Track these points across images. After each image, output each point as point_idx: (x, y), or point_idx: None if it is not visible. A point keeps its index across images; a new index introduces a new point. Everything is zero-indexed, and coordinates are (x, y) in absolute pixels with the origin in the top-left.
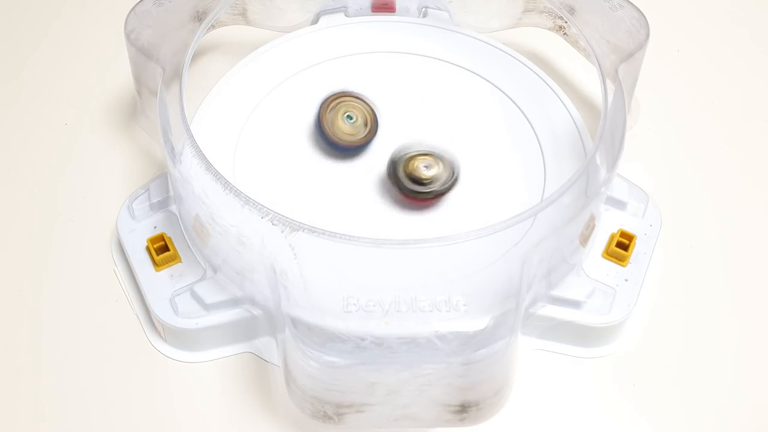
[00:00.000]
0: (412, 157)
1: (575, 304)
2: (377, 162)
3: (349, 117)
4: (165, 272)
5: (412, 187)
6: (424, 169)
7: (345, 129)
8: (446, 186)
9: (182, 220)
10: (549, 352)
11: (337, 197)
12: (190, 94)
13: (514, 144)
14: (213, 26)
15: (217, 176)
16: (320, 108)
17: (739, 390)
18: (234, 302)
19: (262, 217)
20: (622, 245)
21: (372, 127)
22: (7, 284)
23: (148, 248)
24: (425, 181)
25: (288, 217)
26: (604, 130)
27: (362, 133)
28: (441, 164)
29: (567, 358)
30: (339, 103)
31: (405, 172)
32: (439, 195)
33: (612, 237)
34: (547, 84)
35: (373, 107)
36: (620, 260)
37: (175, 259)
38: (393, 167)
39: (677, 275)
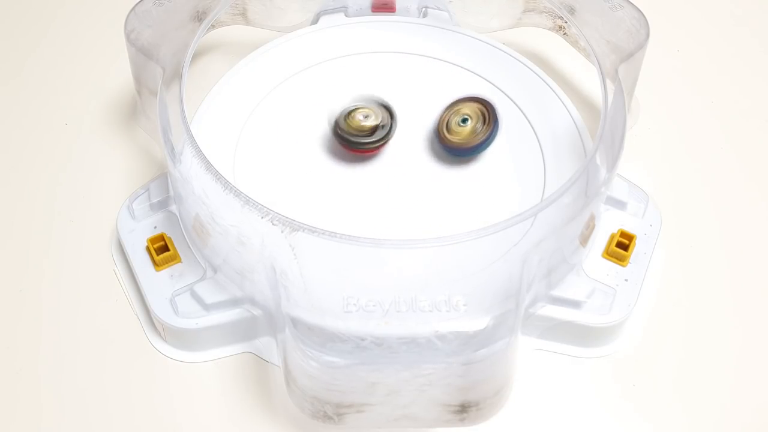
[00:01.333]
0: (351, 113)
1: (575, 304)
2: (378, 161)
3: (464, 120)
4: (165, 272)
5: (361, 140)
6: (366, 120)
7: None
8: (391, 129)
9: (182, 220)
10: (549, 352)
11: (338, 197)
12: (190, 94)
13: (514, 144)
14: (213, 26)
15: (217, 176)
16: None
17: (739, 390)
18: (234, 302)
19: (262, 217)
20: (622, 245)
21: (490, 125)
22: (7, 284)
23: (148, 248)
24: (371, 130)
25: (288, 217)
26: (604, 130)
27: (480, 134)
28: (378, 112)
29: (567, 358)
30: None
31: (350, 129)
32: (384, 141)
33: (612, 237)
34: (547, 84)
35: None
36: (620, 260)
37: (175, 259)
38: (337, 129)
39: (677, 275)
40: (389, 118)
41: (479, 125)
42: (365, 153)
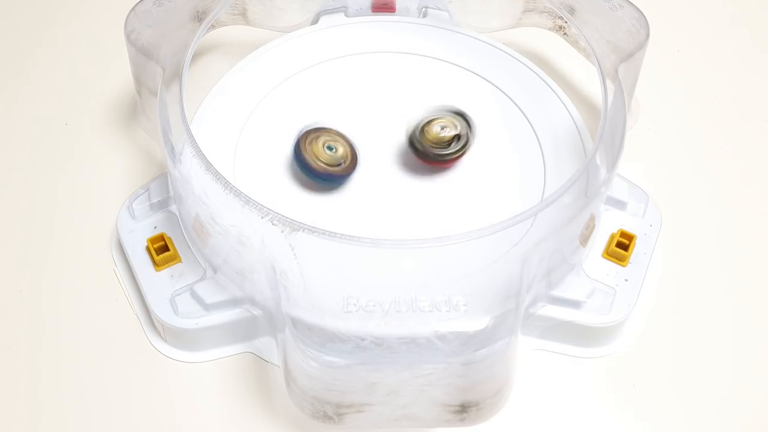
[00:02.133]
0: (428, 124)
1: (575, 304)
2: (378, 162)
3: (330, 148)
4: (165, 272)
5: (439, 152)
6: (444, 132)
7: (326, 158)
8: (468, 140)
9: (182, 220)
10: (549, 352)
11: (338, 197)
12: (190, 94)
13: (514, 144)
14: (213, 26)
15: (217, 176)
16: (298, 140)
17: (738, 390)
18: (234, 302)
19: (262, 217)
20: (622, 245)
21: (352, 159)
22: (7, 284)
23: (148, 248)
24: (448, 142)
25: (288, 217)
26: (604, 130)
27: (344, 164)
28: (455, 122)
29: (567, 358)
30: (317, 135)
31: (427, 141)
32: (463, 152)
33: (612, 237)
34: (547, 84)
35: (351, 142)
36: (620, 260)
37: (175, 259)
38: (414, 141)
39: (677, 275)
40: (467, 127)
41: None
42: (442, 165)
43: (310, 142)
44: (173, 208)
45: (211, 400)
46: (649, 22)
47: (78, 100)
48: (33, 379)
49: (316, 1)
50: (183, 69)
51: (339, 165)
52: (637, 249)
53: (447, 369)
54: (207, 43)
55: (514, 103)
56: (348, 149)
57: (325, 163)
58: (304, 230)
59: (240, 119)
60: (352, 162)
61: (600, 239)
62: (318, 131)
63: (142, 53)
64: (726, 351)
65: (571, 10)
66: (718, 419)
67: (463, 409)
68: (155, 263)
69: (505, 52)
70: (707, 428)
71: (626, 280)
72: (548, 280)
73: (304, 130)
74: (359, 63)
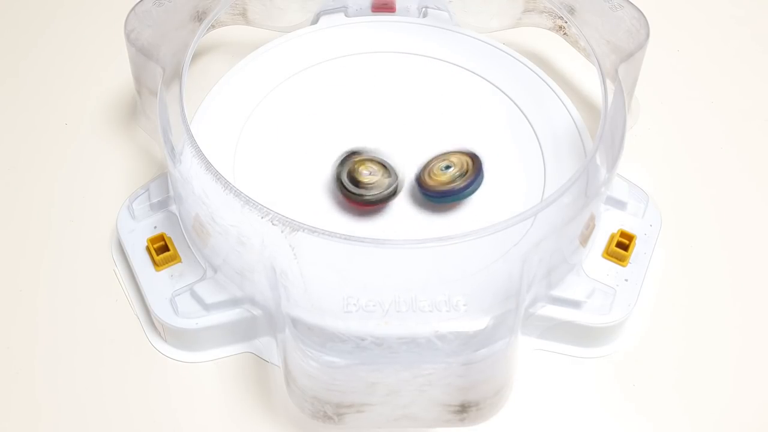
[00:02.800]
0: (360, 162)
1: (575, 304)
2: None
3: (447, 167)
4: (165, 272)
5: (351, 189)
6: (366, 174)
7: (447, 178)
8: (384, 194)
9: (182, 220)
10: (549, 352)
11: (338, 196)
12: (190, 94)
13: (514, 144)
14: (213, 26)
15: (217, 176)
16: (418, 176)
17: (739, 390)
18: (234, 302)
19: (262, 217)
20: (622, 245)
21: (473, 166)
22: (7, 284)
23: (148, 248)
24: (362, 185)
25: (288, 217)
26: (604, 130)
27: (467, 173)
28: (384, 172)
29: (567, 358)
30: (431, 164)
31: (348, 172)
32: (377, 202)
33: (612, 237)
34: (547, 84)
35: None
36: (620, 260)
37: (175, 259)
38: (339, 168)
39: (677, 275)
40: (393, 177)
41: (458, 174)
42: (366, 207)
43: (428, 173)
44: (173, 208)
45: (211, 400)
46: (649, 22)
47: (78, 100)
48: (32, 379)
49: (316, 1)
50: (183, 69)
51: (463, 176)
52: (637, 249)
53: (447, 369)
54: (207, 43)
55: (514, 103)
56: (461, 160)
57: (448, 182)
58: (304, 230)
59: (240, 119)
60: (474, 168)
61: (600, 239)
62: (428, 164)
63: (142, 53)
64: (726, 350)
65: (571, 10)
66: (718, 419)
67: (463, 409)
68: (155, 263)
69: (505, 52)
70: (707, 428)
71: (626, 280)
72: (548, 280)
73: (419, 170)
74: (359, 63)
